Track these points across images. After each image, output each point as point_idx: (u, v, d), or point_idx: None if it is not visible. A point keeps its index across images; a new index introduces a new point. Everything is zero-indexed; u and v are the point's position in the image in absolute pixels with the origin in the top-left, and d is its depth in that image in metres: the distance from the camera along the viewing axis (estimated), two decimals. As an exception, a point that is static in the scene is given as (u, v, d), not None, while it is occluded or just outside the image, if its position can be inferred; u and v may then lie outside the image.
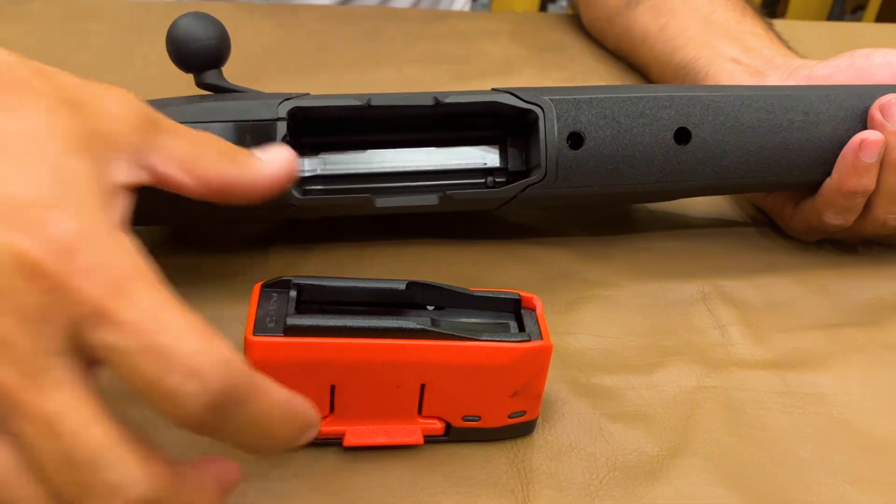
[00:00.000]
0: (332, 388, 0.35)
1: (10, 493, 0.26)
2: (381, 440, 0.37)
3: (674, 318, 0.46)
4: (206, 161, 0.32)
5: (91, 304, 0.25)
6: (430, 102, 0.44)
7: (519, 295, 0.37)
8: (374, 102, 0.44)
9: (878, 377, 0.43)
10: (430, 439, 0.37)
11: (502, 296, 0.37)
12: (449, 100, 0.44)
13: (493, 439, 0.38)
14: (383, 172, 0.47)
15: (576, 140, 0.44)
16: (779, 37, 0.63)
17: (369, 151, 0.47)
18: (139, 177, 0.30)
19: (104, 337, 0.25)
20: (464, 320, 0.37)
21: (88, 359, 0.26)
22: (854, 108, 0.46)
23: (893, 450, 0.40)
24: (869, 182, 0.46)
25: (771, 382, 0.42)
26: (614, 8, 0.71)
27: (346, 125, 0.46)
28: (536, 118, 0.44)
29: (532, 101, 0.44)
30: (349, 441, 0.36)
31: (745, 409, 0.41)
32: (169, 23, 0.43)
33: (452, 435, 0.37)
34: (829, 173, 0.47)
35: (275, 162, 0.35)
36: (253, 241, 0.49)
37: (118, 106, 0.30)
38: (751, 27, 0.62)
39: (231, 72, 0.45)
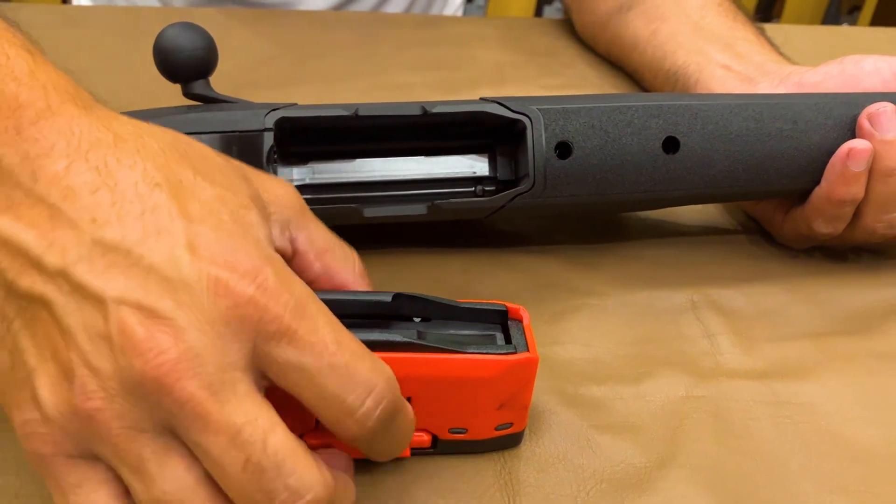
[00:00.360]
0: None
1: None
2: None
3: (662, 327, 0.46)
4: (336, 255, 0.36)
5: (278, 323, 0.28)
6: (417, 112, 0.44)
7: (505, 306, 0.37)
8: (362, 112, 0.44)
9: (866, 387, 0.43)
10: (417, 451, 0.37)
11: (489, 307, 0.37)
12: (436, 109, 0.44)
13: (480, 451, 0.38)
14: (371, 181, 0.47)
15: (564, 149, 0.44)
16: (770, 42, 0.63)
17: (358, 160, 0.47)
18: (282, 244, 0.34)
19: (288, 355, 0.28)
20: (451, 332, 0.37)
21: (261, 373, 0.29)
22: (843, 117, 0.46)
23: (881, 460, 0.40)
24: (857, 191, 0.46)
25: (759, 392, 0.42)
26: (605, 13, 0.71)
27: (333, 134, 0.46)
28: (524, 128, 0.44)
29: (520, 110, 0.44)
30: None
31: (733, 419, 0.41)
32: (159, 29, 0.43)
33: (439, 447, 0.37)
34: (818, 182, 0.47)
35: None
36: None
37: (280, 187, 0.35)
38: (742, 33, 0.62)
39: (222, 79, 0.45)
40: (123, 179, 0.29)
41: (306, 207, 0.36)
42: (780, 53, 0.61)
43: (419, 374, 0.34)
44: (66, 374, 0.28)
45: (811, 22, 1.74)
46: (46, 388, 0.28)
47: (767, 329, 0.46)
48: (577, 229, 0.52)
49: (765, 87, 0.55)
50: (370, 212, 0.44)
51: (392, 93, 0.65)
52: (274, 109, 0.43)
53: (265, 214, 0.33)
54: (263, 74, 0.67)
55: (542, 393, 0.41)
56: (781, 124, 0.46)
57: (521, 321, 0.37)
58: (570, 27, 0.77)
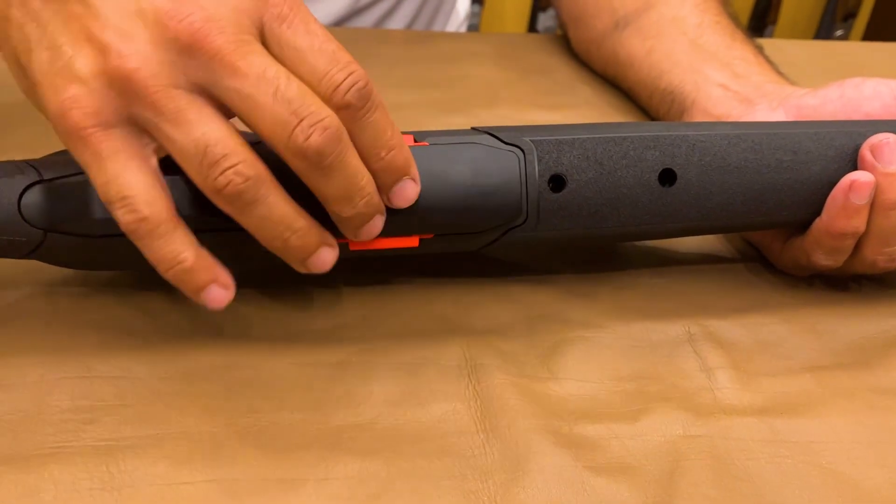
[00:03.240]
0: None
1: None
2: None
3: (659, 360, 0.45)
4: None
5: (279, 9, 0.35)
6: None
7: None
8: None
9: (867, 424, 0.42)
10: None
11: None
12: (427, 140, 0.43)
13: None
14: None
15: (558, 183, 0.43)
16: (768, 61, 0.62)
17: None
18: None
19: (287, 37, 0.35)
20: None
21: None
22: (844, 147, 0.45)
23: (884, 502, 0.39)
24: (859, 224, 0.45)
25: (758, 430, 0.41)
26: (601, 31, 0.70)
27: None
28: (517, 160, 0.43)
29: (512, 142, 0.43)
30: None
31: (732, 459, 0.40)
32: None
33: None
34: (818, 213, 0.46)
35: None
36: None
37: None
38: (740, 52, 0.61)
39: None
40: None
41: None
42: (779, 73, 0.60)
43: None
44: (103, 50, 0.33)
45: (806, 29, 1.73)
46: (86, 63, 0.34)
47: (766, 362, 0.45)
48: (571, 258, 0.51)
49: (763, 109, 0.54)
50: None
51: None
52: (257, 144, 0.42)
53: None
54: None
55: (535, 432, 0.40)
56: (781, 155, 0.45)
57: None
58: (565, 44, 0.76)
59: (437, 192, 0.42)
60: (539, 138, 0.43)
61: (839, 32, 1.76)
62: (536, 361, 0.44)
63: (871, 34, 1.73)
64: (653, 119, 0.66)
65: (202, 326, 0.44)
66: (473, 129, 0.44)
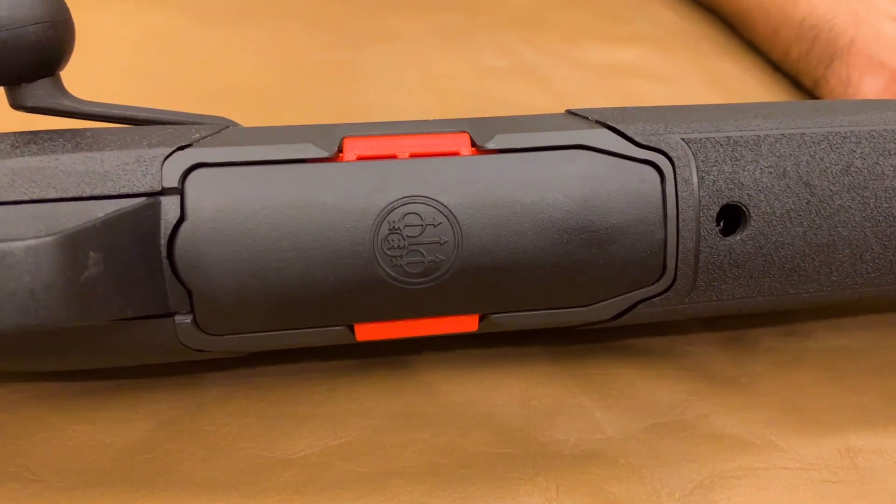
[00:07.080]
0: None
1: None
2: None
3: (879, 509, 0.26)
4: None
5: None
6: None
7: None
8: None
9: None
10: None
11: None
12: (493, 145, 0.23)
13: None
14: None
15: (733, 217, 0.24)
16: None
17: None
18: None
19: None
20: None
21: None
22: None
23: None
24: None
25: None
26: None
27: None
28: (660, 177, 0.23)
29: (650, 144, 0.24)
30: None
31: None
32: None
33: None
34: None
35: None
36: (173, 370, 0.29)
37: None
38: (915, -34, 0.42)
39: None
40: None
41: None
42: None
43: None
44: None
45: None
46: None
47: None
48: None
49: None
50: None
51: (371, 51, 0.44)
52: (182, 147, 0.22)
53: None
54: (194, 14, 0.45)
55: None
56: None
57: None
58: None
59: (517, 242, 0.23)
60: (697, 135, 0.24)
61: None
62: (675, 517, 0.25)
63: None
64: (780, 67, 0.46)
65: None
66: (571, 112, 0.25)
